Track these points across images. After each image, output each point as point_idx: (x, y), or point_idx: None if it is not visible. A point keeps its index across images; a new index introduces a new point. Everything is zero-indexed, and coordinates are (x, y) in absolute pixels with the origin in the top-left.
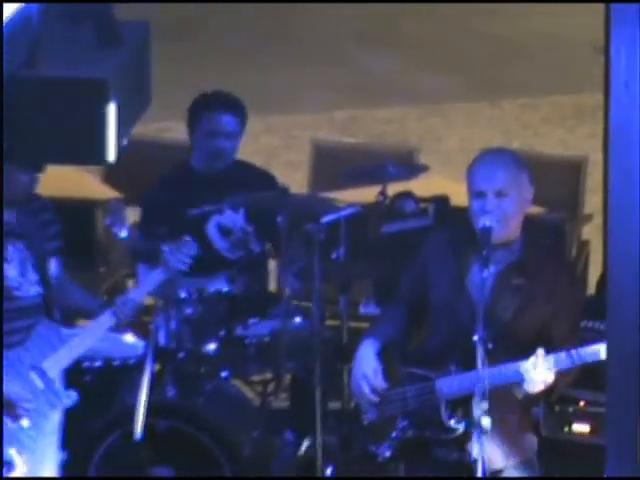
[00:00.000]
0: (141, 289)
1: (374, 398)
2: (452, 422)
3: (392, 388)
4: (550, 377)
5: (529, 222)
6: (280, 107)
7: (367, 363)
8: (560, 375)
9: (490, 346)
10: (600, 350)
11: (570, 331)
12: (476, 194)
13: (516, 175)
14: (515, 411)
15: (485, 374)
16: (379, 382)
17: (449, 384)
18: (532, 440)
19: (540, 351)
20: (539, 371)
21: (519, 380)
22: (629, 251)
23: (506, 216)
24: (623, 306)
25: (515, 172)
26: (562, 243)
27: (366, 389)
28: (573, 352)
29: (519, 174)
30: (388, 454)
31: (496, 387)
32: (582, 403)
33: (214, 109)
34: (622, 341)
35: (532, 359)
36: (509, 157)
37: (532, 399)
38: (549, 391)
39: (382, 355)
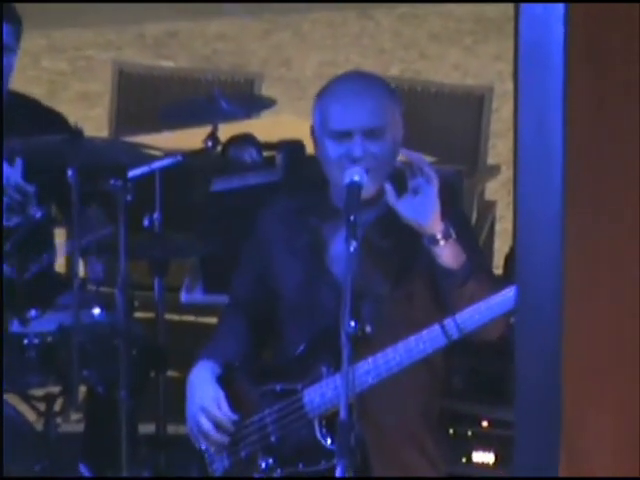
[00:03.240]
0: None
1: (221, 437)
2: (329, 442)
3: (246, 418)
4: None
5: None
6: (69, 19)
7: (204, 392)
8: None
9: (368, 329)
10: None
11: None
12: (336, 135)
13: (389, 107)
14: (413, 423)
15: (363, 369)
16: (225, 413)
17: (320, 392)
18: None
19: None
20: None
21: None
22: (544, 216)
23: (379, 164)
24: (536, 289)
25: (388, 103)
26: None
27: (207, 426)
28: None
29: (392, 106)
30: None
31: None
32: (485, 423)
33: None
34: (535, 337)
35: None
36: (377, 83)
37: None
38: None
39: (224, 379)
